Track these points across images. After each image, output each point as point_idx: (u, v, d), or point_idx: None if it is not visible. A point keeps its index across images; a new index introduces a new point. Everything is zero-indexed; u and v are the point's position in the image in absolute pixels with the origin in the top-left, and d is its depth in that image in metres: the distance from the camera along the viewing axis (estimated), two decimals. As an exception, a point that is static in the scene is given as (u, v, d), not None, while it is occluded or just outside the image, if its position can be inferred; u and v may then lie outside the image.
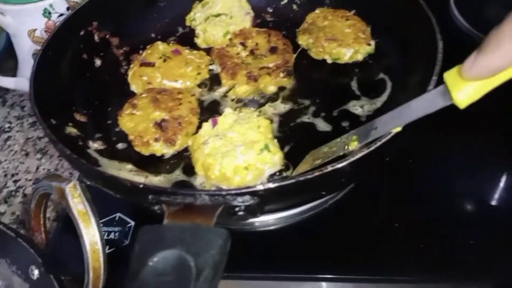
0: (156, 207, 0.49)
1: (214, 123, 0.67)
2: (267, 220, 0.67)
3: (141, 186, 0.49)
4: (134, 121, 0.69)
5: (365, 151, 0.49)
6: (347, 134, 0.58)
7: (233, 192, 0.47)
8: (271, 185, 0.47)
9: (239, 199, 0.48)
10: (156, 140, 0.66)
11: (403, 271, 0.61)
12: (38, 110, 0.58)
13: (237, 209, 0.48)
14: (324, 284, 0.65)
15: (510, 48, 0.39)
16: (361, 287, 0.64)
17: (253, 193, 0.47)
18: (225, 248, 0.43)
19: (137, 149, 0.67)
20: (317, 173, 0.47)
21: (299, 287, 0.66)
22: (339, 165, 0.48)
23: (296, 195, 0.52)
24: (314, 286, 0.65)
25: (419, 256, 0.62)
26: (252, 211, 0.49)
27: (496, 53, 0.40)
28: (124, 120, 0.70)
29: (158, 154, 0.67)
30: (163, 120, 0.68)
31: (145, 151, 0.67)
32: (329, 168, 0.47)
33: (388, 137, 0.50)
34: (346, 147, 0.56)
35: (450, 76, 0.46)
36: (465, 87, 0.44)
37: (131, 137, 0.68)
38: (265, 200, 0.48)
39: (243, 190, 0.47)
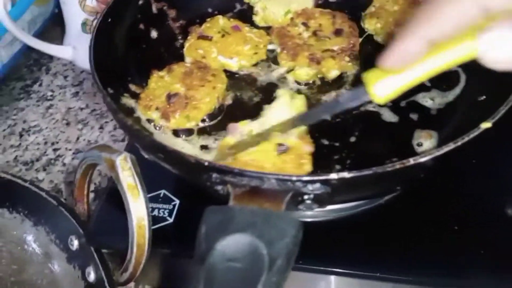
0: (219, 187, 0.46)
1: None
2: (316, 212, 0.63)
3: (206, 163, 0.46)
4: (158, 84, 0.67)
5: (451, 146, 0.45)
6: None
7: (303, 179, 0.44)
8: (346, 175, 0.44)
9: (310, 186, 0.44)
10: (157, 109, 0.64)
11: (463, 278, 0.57)
12: (98, 77, 0.56)
13: (306, 197, 0.45)
14: (373, 282, 0.61)
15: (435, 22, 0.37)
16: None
17: (325, 182, 0.44)
18: (297, 237, 0.39)
19: (139, 108, 0.65)
20: (397, 166, 0.43)
21: (341, 281, 0.63)
22: (422, 159, 0.44)
23: (370, 187, 0.48)
24: (361, 283, 0.62)
25: (481, 263, 0.57)
26: (321, 200, 0.45)
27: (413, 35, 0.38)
28: (153, 79, 0.68)
29: (156, 123, 0.65)
30: (176, 94, 0.65)
31: (144, 114, 0.65)
32: (411, 162, 0.44)
33: (476, 132, 0.46)
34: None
35: (369, 72, 0.43)
36: (382, 79, 0.40)
37: (142, 95, 0.66)
38: (337, 190, 0.45)
39: (315, 178, 0.44)
